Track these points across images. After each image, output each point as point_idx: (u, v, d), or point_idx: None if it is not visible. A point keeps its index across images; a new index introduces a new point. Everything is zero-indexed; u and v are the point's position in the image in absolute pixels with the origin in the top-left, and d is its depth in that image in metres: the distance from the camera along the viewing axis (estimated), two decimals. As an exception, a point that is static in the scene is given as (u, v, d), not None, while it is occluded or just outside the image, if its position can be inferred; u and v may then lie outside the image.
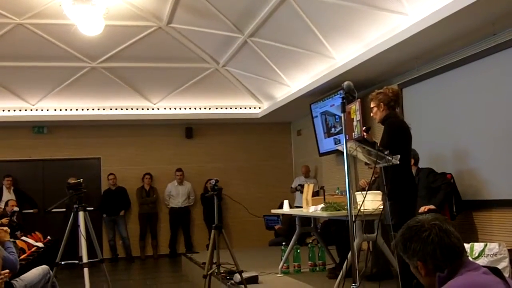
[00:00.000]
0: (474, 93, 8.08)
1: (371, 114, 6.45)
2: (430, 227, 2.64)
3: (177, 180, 15.05)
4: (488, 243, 6.83)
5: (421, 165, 7.97)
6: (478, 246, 6.84)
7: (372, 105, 6.35)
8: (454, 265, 2.57)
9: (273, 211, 9.94)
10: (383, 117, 6.28)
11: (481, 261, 6.60)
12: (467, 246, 6.80)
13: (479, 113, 8.00)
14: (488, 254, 6.71)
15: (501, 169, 7.63)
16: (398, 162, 5.87)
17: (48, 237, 12.28)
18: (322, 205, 7.37)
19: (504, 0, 6.44)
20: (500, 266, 6.50)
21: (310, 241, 10.81)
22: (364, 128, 6.26)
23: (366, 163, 7.37)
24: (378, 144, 6.20)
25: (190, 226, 15.29)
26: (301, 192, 9.65)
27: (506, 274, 6.55)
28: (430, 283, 2.65)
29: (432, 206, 7.57)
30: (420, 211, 7.56)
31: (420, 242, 2.63)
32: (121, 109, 14.12)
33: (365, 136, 6.17)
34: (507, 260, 6.69)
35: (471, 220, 8.22)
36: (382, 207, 6.15)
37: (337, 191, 8.94)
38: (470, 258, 6.51)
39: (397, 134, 6.10)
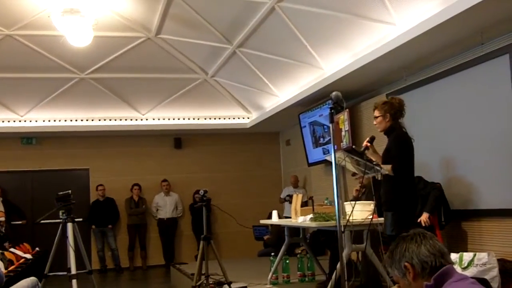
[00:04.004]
0: (462, 103, 8.11)
1: (374, 123, 6.48)
2: (412, 234, 2.73)
3: (163, 191, 15.04)
4: (477, 253, 6.85)
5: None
6: (467, 256, 6.85)
7: (377, 114, 6.37)
8: (441, 274, 2.58)
9: (262, 221, 9.96)
10: (388, 128, 6.32)
11: (471, 271, 6.61)
12: (456, 256, 6.82)
13: (467, 122, 8.03)
14: (477, 264, 6.73)
15: (489, 178, 7.65)
16: (387, 173, 5.91)
17: (37, 249, 12.23)
18: (311, 215, 7.38)
19: (491, 9, 6.48)
20: (489, 276, 6.52)
21: (299, 251, 10.81)
22: (368, 138, 6.27)
23: (353, 174, 7.40)
24: (382, 155, 6.25)
25: (176, 237, 15.26)
26: (290, 202, 9.68)
27: (496, 284, 6.57)
28: None
29: (427, 215, 7.64)
30: (421, 220, 7.62)
31: (405, 243, 2.69)
32: (110, 120, 14.09)
33: (368, 146, 6.20)
34: (496, 270, 6.71)
35: (460, 229, 8.24)
36: (370, 217, 6.17)
37: (326, 201, 8.95)
38: (459, 267, 6.57)
39: (404, 148, 6.17)
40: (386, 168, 6.01)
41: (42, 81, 12.33)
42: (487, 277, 6.37)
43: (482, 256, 6.76)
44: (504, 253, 7.24)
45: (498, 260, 6.87)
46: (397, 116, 6.33)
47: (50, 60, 11.52)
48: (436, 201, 7.88)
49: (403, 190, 6.13)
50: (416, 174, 6.63)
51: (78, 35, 9.42)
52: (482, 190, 7.81)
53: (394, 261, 2.72)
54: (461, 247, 7.98)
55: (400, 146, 6.17)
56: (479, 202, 7.86)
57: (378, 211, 6.70)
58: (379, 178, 6.29)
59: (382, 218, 6.44)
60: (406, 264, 2.65)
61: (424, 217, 7.66)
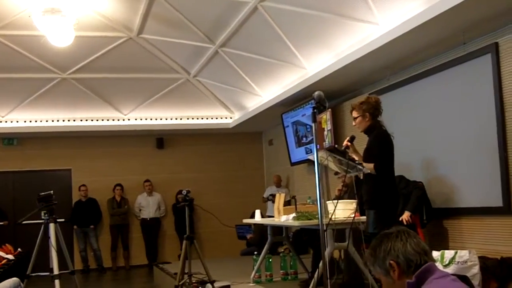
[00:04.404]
0: (444, 102, 8.15)
1: (353, 124, 6.48)
2: (395, 232, 2.72)
3: (146, 191, 15.02)
4: (459, 251, 6.89)
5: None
6: (448, 254, 6.89)
7: (355, 115, 6.37)
8: (423, 272, 2.59)
9: (245, 220, 9.96)
10: (368, 127, 6.34)
11: (452, 269, 6.66)
12: (437, 253, 6.86)
13: (449, 121, 8.08)
14: (458, 262, 6.77)
15: (470, 177, 7.71)
16: (369, 171, 5.93)
17: (19, 249, 12.16)
18: (294, 214, 7.40)
19: (473, 10, 6.52)
20: (470, 273, 6.56)
21: (282, 250, 10.85)
22: (348, 138, 6.30)
23: (335, 173, 7.42)
24: (362, 154, 6.28)
25: (159, 237, 15.25)
26: (273, 201, 9.68)
27: (477, 281, 6.62)
28: None
29: (409, 213, 7.68)
30: (402, 219, 7.65)
31: (390, 241, 2.68)
32: (92, 120, 14.04)
33: (348, 146, 6.22)
34: (477, 267, 6.75)
35: (442, 228, 8.29)
36: (353, 215, 6.20)
37: (308, 201, 8.96)
38: (441, 265, 6.61)
39: (385, 146, 6.19)
40: (368, 167, 6.04)
41: (23, 81, 12.25)
42: (468, 274, 6.42)
43: (463, 254, 6.81)
44: (484, 251, 7.30)
45: (479, 257, 6.93)
46: (376, 114, 6.35)
47: (31, 60, 11.46)
48: (418, 201, 7.93)
49: (385, 188, 6.16)
50: (398, 173, 6.68)
51: (59, 35, 9.38)
52: (463, 189, 7.86)
53: (377, 259, 2.71)
54: (443, 245, 8.03)
55: (381, 145, 6.20)
56: (460, 201, 7.91)
57: (360, 210, 6.73)
58: (362, 177, 6.32)
59: (364, 217, 6.47)
60: (391, 262, 2.64)
61: (406, 216, 7.70)
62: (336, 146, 6.25)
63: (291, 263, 8.80)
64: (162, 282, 10.85)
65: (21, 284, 6.92)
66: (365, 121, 6.33)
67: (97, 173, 14.99)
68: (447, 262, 6.79)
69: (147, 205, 14.96)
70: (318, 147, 5.57)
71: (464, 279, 2.57)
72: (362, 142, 6.67)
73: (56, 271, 6.84)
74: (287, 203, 9.41)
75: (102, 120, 14.11)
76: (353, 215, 6.24)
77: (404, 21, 7.25)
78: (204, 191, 14.79)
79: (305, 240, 9.94)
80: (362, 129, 6.41)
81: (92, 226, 14.52)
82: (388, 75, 9.36)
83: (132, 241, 15.10)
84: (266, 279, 8.64)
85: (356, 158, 6.18)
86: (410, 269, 2.61)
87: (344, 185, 7.80)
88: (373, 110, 6.31)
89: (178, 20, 9.97)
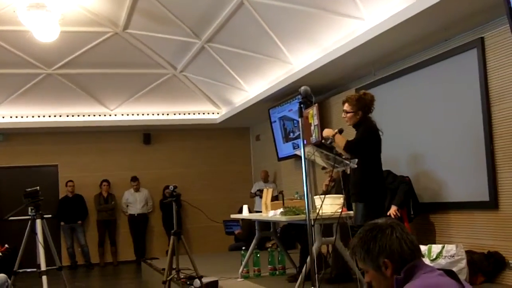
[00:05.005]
0: (431, 97, 8.17)
1: (343, 116, 6.46)
2: (389, 226, 2.65)
3: (133, 189, 14.99)
4: (446, 245, 6.93)
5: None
6: (436, 248, 6.93)
7: (348, 110, 6.36)
8: (410, 268, 2.58)
9: (233, 216, 9.96)
10: (357, 122, 6.34)
11: (439, 263, 6.69)
12: (425, 248, 6.89)
13: (435, 116, 8.10)
14: (445, 256, 6.80)
15: (457, 171, 7.73)
16: (356, 166, 5.94)
17: (6, 246, 12.11)
18: (281, 209, 7.41)
19: (459, 4, 6.52)
20: (457, 268, 6.60)
21: (270, 245, 10.87)
22: (337, 130, 6.29)
23: (323, 168, 7.42)
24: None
25: (147, 233, 15.23)
26: (261, 197, 9.69)
27: (464, 275, 6.66)
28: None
29: (395, 208, 7.69)
30: (390, 213, 7.66)
31: (385, 238, 2.62)
32: (78, 115, 13.97)
33: (334, 136, 6.22)
34: (464, 261, 6.80)
35: (429, 222, 8.31)
36: (340, 210, 6.21)
37: (296, 196, 8.98)
38: (428, 259, 6.64)
39: (370, 137, 6.20)
40: (339, 141, 6.06)
41: (8, 77, 12.18)
42: (455, 268, 6.43)
43: (450, 248, 6.85)
44: (471, 245, 7.33)
45: (466, 251, 6.96)
46: (367, 112, 6.37)
47: (16, 56, 11.38)
48: (405, 195, 7.93)
49: (373, 181, 6.19)
50: (385, 168, 6.68)
51: (45, 30, 9.34)
52: (449, 183, 7.88)
53: (370, 254, 2.64)
54: (430, 240, 8.05)
55: (367, 136, 6.21)
56: (447, 195, 7.93)
57: (347, 205, 6.75)
58: (348, 172, 6.34)
59: (352, 212, 6.48)
60: (385, 260, 2.61)
61: (393, 210, 7.71)
62: (323, 141, 6.23)
63: (279, 258, 8.82)
64: (150, 278, 10.84)
65: (8, 280, 6.92)
66: (355, 118, 6.33)
67: (83, 168, 14.93)
68: (434, 257, 6.83)
69: (134, 201, 14.92)
70: (305, 142, 5.57)
71: (450, 273, 2.54)
72: (350, 136, 6.68)
73: (43, 267, 6.82)
74: (274, 198, 9.43)
75: (89, 115, 14.05)
76: (340, 210, 6.26)
77: (390, 16, 7.24)
78: (192, 187, 14.75)
79: (293, 235, 9.95)
80: (351, 123, 6.41)
81: (79, 222, 14.47)
82: (374, 70, 9.37)
83: (119, 237, 15.07)
84: (254, 274, 8.66)
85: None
86: (402, 268, 2.59)
87: (331, 180, 7.81)
88: (367, 108, 6.33)
89: (164, 15, 9.95)
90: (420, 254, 2.66)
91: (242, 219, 12.35)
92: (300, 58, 9.93)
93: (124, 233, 15.06)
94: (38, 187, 7.22)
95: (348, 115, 6.36)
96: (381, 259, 2.62)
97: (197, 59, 11.79)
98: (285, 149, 12.39)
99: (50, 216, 10.78)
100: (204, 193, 15.08)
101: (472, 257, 6.96)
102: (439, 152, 8.06)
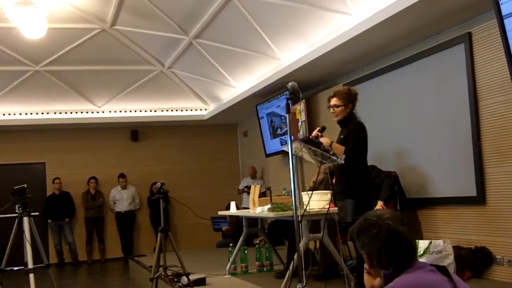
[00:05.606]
0: (418, 92, 8.18)
1: (332, 111, 6.44)
2: (382, 224, 2.61)
3: (121, 186, 14.96)
4: (433, 241, 6.94)
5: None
6: (423, 244, 6.94)
7: (338, 103, 6.35)
8: (401, 263, 2.56)
9: (220, 212, 9.95)
10: (345, 117, 6.34)
11: (426, 258, 6.70)
12: (412, 243, 6.89)
13: (422, 111, 8.11)
14: (433, 251, 6.82)
15: (444, 167, 7.74)
16: (343, 162, 5.94)
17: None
18: (269, 205, 7.39)
19: (443, 1, 6.54)
20: (445, 263, 6.61)
21: (258, 241, 10.86)
22: (319, 128, 6.27)
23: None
24: (342, 144, 6.28)
25: (134, 230, 15.21)
26: (248, 193, 9.68)
27: (451, 270, 6.64)
28: (369, 279, 2.66)
29: (381, 203, 7.70)
30: (376, 209, 7.67)
31: (368, 237, 2.60)
32: (66, 113, 13.92)
33: (318, 136, 6.21)
34: (451, 257, 6.81)
35: (416, 217, 8.32)
36: (327, 206, 6.21)
37: (283, 192, 8.97)
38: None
39: (362, 137, 6.24)
40: (338, 148, 6.05)
41: (-5, 74, 12.13)
42: (442, 264, 6.45)
43: (438, 244, 6.86)
44: (458, 240, 7.34)
45: (454, 247, 6.98)
46: (354, 106, 6.39)
47: (3, 53, 11.32)
48: (390, 189, 7.92)
49: (361, 178, 6.22)
50: (370, 163, 6.70)
51: (32, 27, 9.29)
52: (437, 178, 7.90)
53: (358, 242, 2.66)
54: (417, 235, 8.05)
55: (359, 135, 6.24)
56: (434, 191, 7.95)
57: (335, 201, 6.75)
58: (332, 169, 6.35)
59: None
60: (365, 255, 2.61)
61: (379, 206, 7.71)
62: (310, 137, 6.22)
63: (267, 254, 8.83)
64: (137, 275, 10.82)
65: (-5, 278, 6.89)
66: (345, 111, 6.34)
67: (71, 166, 14.88)
68: (421, 252, 6.84)
69: (122, 198, 14.89)
70: (292, 138, 5.57)
71: (442, 269, 2.52)
72: (332, 133, 6.69)
73: (30, 265, 6.82)
74: (262, 194, 9.43)
75: (76, 112, 14.00)
76: (327, 206, 6.26)
77: (377, 11, 7.24)
78: (179, 183, 14.74)
79: (281, 231, 9.96)
80: (340, 117, 6.40)
81: (67, 219, 14.43)
82: (362, 65, 9.37)
83: (107, 234, 15.03)
84: (241, 270, 8.67)
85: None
86: (380, 267, 2.58)
87: (326, 172, 7.82)
88: (355, 101, 6.36)
89: (151, 12, 9.92)
90: (412, 255, 2.61)
91: (230, 216, 12.36)
92: (288, 54, 9.92)
93: (111, 230, 15.02)
94: (25, 185, 7.20)
95: (338, 109, 6.35)
96: (363, 252, 2.64)
97: (185, 55, 11.77)
98: (273, 145, 12.39)
99: (37, 213, 10.72)
100: (192, 189, 15.07)
101: (459, 252, 6.98)
102: (426, 147, 8.07)
